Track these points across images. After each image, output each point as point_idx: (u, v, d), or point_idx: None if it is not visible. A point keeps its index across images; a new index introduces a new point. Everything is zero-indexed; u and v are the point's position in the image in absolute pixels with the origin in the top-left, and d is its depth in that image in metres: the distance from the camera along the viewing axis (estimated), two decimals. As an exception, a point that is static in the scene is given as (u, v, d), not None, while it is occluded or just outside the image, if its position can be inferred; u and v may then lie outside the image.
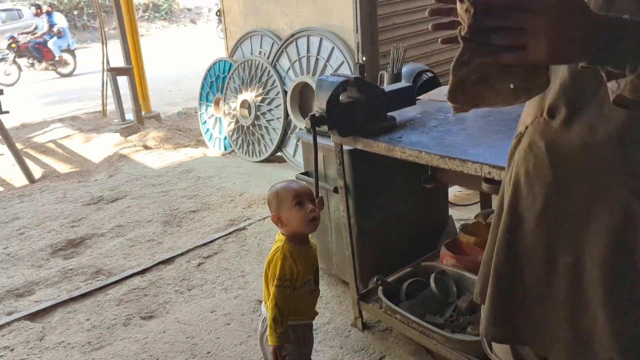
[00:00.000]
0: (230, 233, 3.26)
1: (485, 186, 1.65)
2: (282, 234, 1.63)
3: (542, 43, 0.72)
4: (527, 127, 1.01)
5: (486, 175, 1.51)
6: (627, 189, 0.88)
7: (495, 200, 2.28)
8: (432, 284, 2.06)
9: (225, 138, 4.92)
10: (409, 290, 2.14)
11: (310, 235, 1.66)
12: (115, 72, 6.16)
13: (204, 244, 3.15)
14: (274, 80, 4.30)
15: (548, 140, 0.96)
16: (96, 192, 4.22)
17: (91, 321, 2.52)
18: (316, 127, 1.96)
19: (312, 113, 1.96)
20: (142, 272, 2.90)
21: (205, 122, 5.19)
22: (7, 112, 4.91)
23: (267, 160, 4.46)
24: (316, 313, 1.71)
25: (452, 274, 2.13)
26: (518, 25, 0.72)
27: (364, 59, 3.68)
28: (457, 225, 2.60)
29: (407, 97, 2.14)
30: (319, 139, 2.13)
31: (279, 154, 4.42)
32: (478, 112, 2.08)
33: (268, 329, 1.55)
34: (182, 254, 3.06)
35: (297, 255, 1.57)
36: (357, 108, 2.00)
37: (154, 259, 3.03)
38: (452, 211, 2.81)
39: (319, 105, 1.99)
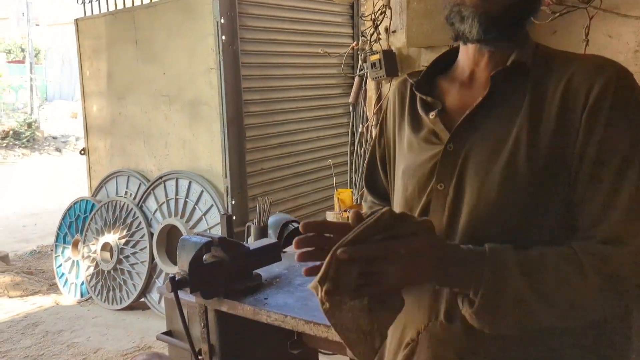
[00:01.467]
0: (79, 404, 2.85)
1: (350, 353, 1.62)
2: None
3: (394, 279, 0.78)
4: (419, 333, 0.92)
5: (350, 343, 1.50)
6: None
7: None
8: None
9: (82, 283, 4.49)
10: None
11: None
12: (-43, 210, 5.53)
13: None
14: (140, 222, 4.13)
15: (458, 352, 0.88)
16: None
17: None
18: (178, 291, 1.87)
19: (172, 275, 1.88)
20: None
21: (60, 265, 4.73)
22: None
23: (130, 307, 4.11)
24: None
25: None
26: (378, 271, 0.77)
27: (233, 202, 3.71)
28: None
29: (272, 254, 2.14)
30: (183, 295, 2.02)
31: (142, 300, 4.11)
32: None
33: None
34: None
35: None
36: (222, 268, 1.94)
37: None
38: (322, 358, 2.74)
39: (180, 266, 1.91)
